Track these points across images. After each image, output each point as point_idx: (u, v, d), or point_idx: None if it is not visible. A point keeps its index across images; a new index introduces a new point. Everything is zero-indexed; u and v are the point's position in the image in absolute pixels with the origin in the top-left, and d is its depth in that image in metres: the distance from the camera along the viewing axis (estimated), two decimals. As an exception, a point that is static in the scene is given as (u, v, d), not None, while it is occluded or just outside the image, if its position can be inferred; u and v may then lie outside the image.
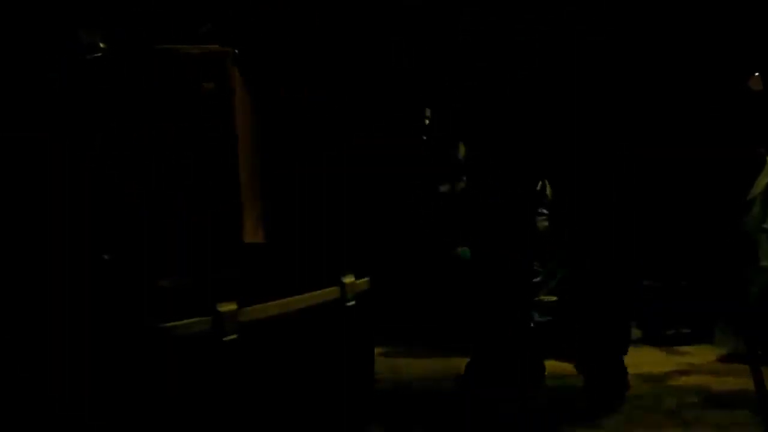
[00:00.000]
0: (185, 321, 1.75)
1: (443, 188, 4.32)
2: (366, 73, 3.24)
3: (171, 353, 1.72)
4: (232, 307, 1.87)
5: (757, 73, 3.85)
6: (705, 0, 3.94)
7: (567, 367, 3.23)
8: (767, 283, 3.51)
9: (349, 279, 2.44)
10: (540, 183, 3.49)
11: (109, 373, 1.70)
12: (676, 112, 4.04)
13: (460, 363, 2.99)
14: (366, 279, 2.57)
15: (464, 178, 3.96)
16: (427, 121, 4.39)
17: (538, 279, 3.82)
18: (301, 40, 2.53)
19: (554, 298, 3.77)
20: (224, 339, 1.82)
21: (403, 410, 2.88)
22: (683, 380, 3.27)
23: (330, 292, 2.36)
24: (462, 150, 4.02)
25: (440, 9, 2.95)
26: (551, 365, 3.17)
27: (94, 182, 1.92)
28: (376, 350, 2.85)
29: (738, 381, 3.10)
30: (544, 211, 3.99)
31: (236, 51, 2.11)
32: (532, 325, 3.27)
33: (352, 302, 2.44)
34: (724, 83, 4.01)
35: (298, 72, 2.46)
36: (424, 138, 4.38)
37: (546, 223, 3.97)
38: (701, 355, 3.71)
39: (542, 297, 3.77)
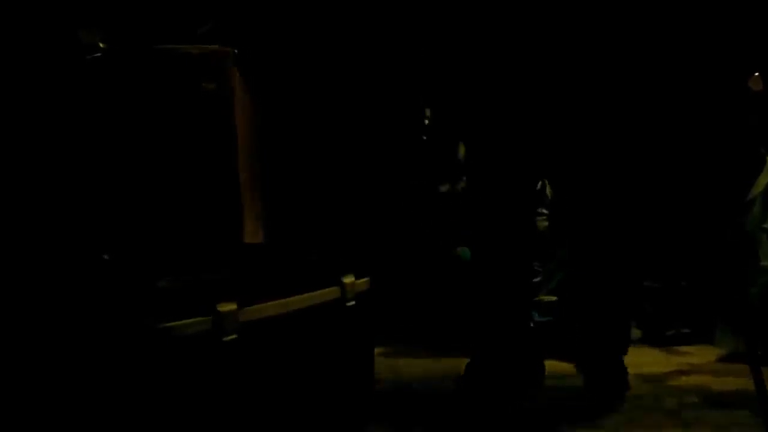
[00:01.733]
0: (185, 321, 1.75)
1: (443, 188, 4.31)
2: (366, 72, 3.24)
3: (171, 353, 1.72)
4: (232, 307, 1.87)
5: (757, 73, 3.85)
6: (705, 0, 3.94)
7: (567, 367, 3.23)
8: (767, 283, 3.51)
9: (349, 279, 2.44)
10: (540, 183, 3.49)
11: (108, 374, 1.70)
12: (676, 111, 4.04)
13: (460, 363, 2.99)
14: (366, 279, 2.58)
15: (464, 178, 3.96)
16: (427, 121, 4.39)
17: (538, 279, 3.82)
18: (301, 39, 2.53)
19: (554, 298, 3.77)
20: (224, 339, 1.83)
21: (403, 410, 2.88)
22: (683, 380, 3.27)
23: (330, 292, 2.36)
24: (462, 150, 4.02)
25: (440, 9, 2.95)
26: (551, 365, 3.17)
27: (95, 182, 1.93)
28: (376, 350, 2.85)
29: (738, 381, 3.09)
30: (544, 211, 4.00)
31: (236, 51, 2.11)
32: (532, 325, 3.27)
33: (352, 302, 2.44)
34: (724, 83, 4.01)
35: (298, 72, 2.47)
36: (424, 138, 4.37)
37: (546, 223, 3.97)
38: (701, 355, 3.71)
39: (542, 297, 3.77)
